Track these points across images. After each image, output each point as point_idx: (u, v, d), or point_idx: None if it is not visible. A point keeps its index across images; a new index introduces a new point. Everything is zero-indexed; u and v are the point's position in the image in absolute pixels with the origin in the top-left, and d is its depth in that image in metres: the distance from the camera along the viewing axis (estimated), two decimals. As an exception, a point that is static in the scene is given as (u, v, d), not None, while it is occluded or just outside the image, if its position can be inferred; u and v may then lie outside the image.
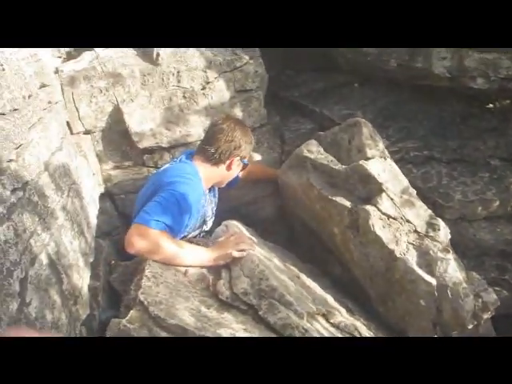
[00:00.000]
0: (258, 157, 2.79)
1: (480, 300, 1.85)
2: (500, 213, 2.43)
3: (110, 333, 1.36)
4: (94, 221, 2.03)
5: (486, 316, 1.85)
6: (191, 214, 1.91)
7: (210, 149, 2.05)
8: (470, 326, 1.83)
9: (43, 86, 1.85)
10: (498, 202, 2.39)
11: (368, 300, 2.06)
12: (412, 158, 2.62)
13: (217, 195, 2.36)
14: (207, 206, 2.22)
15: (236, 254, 1.72)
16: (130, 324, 1.36)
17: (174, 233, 1.78)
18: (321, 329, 1.62)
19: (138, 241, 1.62)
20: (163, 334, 1.35)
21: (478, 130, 2.72)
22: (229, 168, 2.12)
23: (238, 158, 2.11)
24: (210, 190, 2.24)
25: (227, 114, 2.22)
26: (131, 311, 1.42)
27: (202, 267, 1.76)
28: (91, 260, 1.80)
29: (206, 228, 2.29)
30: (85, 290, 1.60)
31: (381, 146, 2.21)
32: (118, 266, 1.94)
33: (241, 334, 1.42)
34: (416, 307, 1.86)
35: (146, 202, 1.84)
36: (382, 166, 1.97)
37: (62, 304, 1.36)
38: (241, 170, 2.25)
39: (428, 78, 2.57)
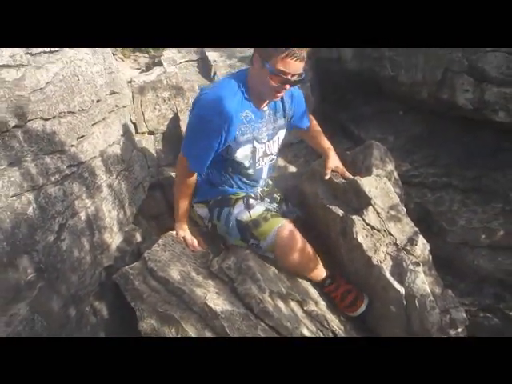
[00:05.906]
0: (293, 169, 3.17)
1: (448, 316, 1.99)
2: (505, 244, 2.52)
3: (116, 275, 1.85)
4: (138, 203, 2.54)
5: (453, 333, 1.97)
6: (216, 132, 1.90)
7: None
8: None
9: (113, 93, 2.41)
10: (502, 232, 2.51)
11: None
12: (430, 184, 2.82)
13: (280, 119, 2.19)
14: (259, 124, 2.07)
15: (179, 234, 2.18)
16: (131, 270, 1.84)
17: (201, 157, 2.02)
18: (288, 311, 1.96)
19: (177, 165, 2.13)
20: (153, 283, 1.81)
21: (505, 163, 2.77)
22: (253, 67, 1.91)
23: (260, 57, 1.83)
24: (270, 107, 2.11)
25: None
26: (135, 262, 1.90)
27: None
28: (126, 229, 2.30)
29: (266, 150, 2.19)
30: (113, 247, 2.10)
31: (389, 167, 2.48)
32: (150, 239, 2.44)
33: (212, 295, 1.83)
34: (388, 313, 2.07)
35: None
36: (374, 183, 2.23)
37: (89, 249, 1.86)
38: (280, 87, 1.87)
39: (454, 110, 2.71)
